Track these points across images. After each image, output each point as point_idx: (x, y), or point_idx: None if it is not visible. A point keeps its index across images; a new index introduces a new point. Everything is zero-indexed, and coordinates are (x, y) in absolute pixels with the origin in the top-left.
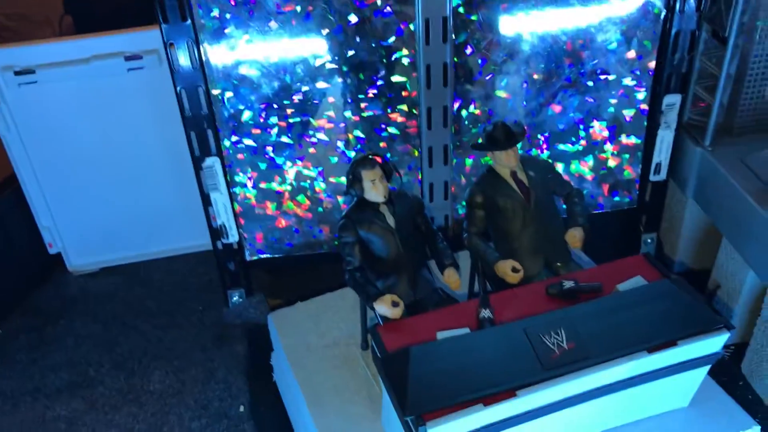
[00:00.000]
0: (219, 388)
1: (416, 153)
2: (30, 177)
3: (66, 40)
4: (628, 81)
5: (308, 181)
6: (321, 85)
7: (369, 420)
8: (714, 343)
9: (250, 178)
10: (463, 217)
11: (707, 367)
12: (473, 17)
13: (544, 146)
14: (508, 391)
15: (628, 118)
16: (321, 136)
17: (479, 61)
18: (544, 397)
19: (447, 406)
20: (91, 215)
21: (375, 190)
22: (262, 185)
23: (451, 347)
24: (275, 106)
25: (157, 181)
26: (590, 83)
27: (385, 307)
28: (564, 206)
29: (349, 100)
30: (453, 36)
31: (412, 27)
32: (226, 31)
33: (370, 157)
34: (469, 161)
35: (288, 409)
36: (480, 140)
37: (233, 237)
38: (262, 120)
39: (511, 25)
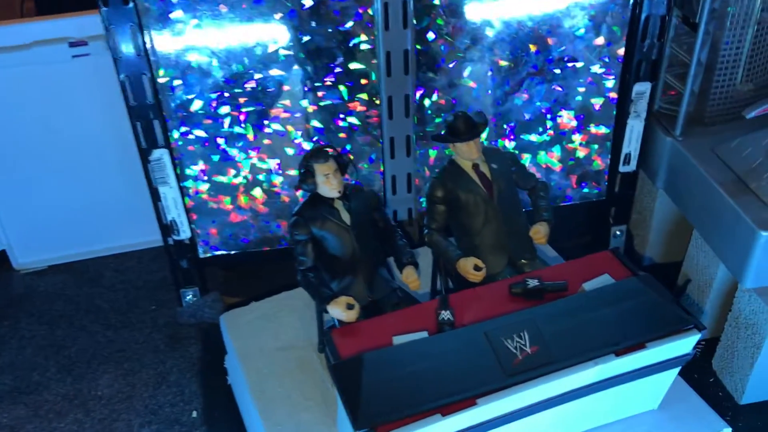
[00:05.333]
0: (171, 392)
1: (379, 144)
2: None
3: (3, 24)
4: (596, 68)
5: (264, 174)
6: (275, 72)
7: (325, 427)
8: (684, 345)
9: (202, 171)
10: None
11: (677, 369)
12: (435, 1)
13: (511, 136)
14: (467, 400)
15: (596, 107)
16: (276, 126)
17: (442, 47)
18: (507, 405)
19: (402, 418)
20: (37, 211)
21: (328, 185)
22: (215, 178)
23: (408, 353)
24: (227, 94)
25: (106, 175)
26: (557, 71)
27: (339, 310)
28: (529, 200)
29: (306, 89)
30: (414, 21)
31: (371, 11)
32: (173, 15)
33: (324, 149)
34: (433, 152)
35: (242, 415)
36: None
37: (185, 233)
38: (213, 109)
39: (475, 9)
